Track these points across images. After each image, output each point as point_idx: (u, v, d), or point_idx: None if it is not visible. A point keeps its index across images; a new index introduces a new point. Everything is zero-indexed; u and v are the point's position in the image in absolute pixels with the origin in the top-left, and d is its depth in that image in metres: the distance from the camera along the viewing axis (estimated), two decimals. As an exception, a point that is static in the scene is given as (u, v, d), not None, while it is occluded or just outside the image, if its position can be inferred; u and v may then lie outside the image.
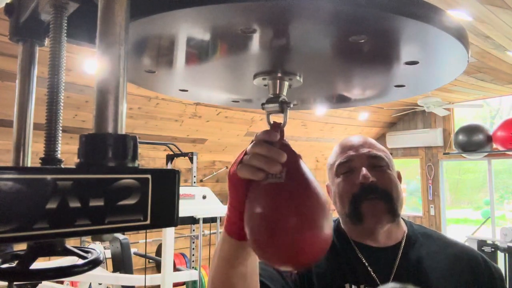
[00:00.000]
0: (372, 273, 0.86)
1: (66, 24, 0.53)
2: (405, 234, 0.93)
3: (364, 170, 0.87)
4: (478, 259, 0.92)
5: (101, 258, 0.52)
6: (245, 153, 0.60)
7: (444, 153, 6.26)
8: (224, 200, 3.79)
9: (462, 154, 5.75)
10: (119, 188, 0.37)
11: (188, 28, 0.53)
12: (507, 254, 4.28)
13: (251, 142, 0.60)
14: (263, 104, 0.72)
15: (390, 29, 0.51)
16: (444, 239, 0.97)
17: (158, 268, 3.71)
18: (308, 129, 5.82)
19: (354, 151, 0.91)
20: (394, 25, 0.50)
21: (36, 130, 0.63)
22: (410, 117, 6.67)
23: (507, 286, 4.19)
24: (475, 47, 3.47)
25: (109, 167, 0.39)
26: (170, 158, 4.08)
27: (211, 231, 3.50)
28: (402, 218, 0.96)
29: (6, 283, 0.47)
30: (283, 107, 0.69)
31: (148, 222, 0.39)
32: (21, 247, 0.49)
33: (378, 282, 0.84)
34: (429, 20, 0.49)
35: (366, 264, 0.88)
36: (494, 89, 5.26)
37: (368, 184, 0.86)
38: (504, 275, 0.97)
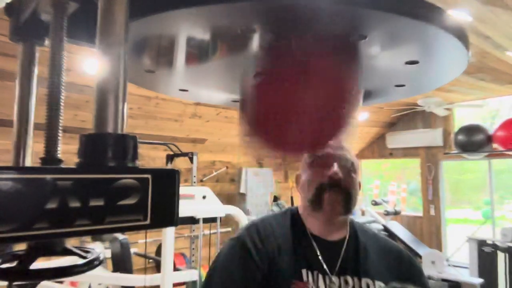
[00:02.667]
0: (322, 262, 1.00)
1: (66, 24, 0.53)
2: (349, 230, 1.07)
3: (336, 167, 1.01)
4: (403, 256, 1.09)
5: (101, 258, 0.52)
6: None
7: (444, 153, 6.25)
8: (224, 200, 3.79)
9: (462, 154, 5.75)
10: (119, 188, 0.37)
11: (188, 28, 0.53)
12: (507, 254, 4.28)
13: None
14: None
15: (390, 29, 0.51)
16: (376, 235, 1.14)
17: (158, 268, 3.71)
18: (308, 129, 5.81)
19: (332, 150, 1.04)
20: (394, 25, 0.50)
21: (36, 130, 0.63)
22: (410, 117, 6.66)
23: (506, 287, 4.19)
24: (475, 47, 3.47)
25: (109, 167, 0.39)
26: (170, 158, 4.08)
27: (211, 231, 3.50)
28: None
29: (6, 283, 0.47)
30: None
31: (148, 222, 0.39)
32: (21, 247, 0.49)
33: (327, 271, 0.98)
34: (429, 20, 0.49)
35: (319, 254, 1.01)
36: (494, 89, 5.26)
37: (335, 179, 1.00)
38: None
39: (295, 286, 0.96)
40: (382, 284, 0.97)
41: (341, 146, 1.06)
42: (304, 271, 0.98)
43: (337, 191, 0.99)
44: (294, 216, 1.10)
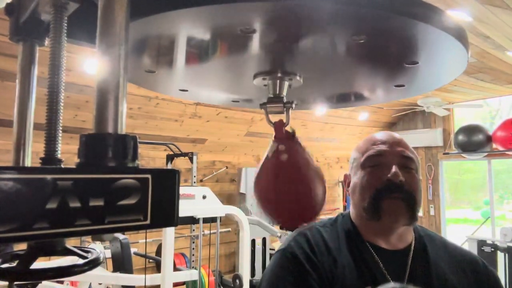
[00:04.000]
0: (388, 276, 0.85)
1: (66, 24, 0.53)
2: (414, 237, 0.93)
3: (395, 168, 0.86)
4: (478, 262, 0.94)
5: (101, 258, 0.52)
6: None
7: (444, 153, 6.26)
8: (224, 200, 3.79)
9: (462, 154, 5.75)
10: (119, 188, 0.37)
11: (188, 28, 0.53)
12: (507, 254, 4.29)
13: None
14: (262, 104, 0.72)
15: (390, 29, 0.51)
16: (445, 241, 0.99)
17: (158, 268, 3.71)
18: (308, 129, 5.82)
19: (387, 147, 0.90)
20: (394, 25, 0.50)
21: (36, 130, 0.63)
22: (410, 117, 6.67)
23: (505, 287, 4.19)
24: (475, 47, 3.47)
25: (109, 167, 0.39)
26: (170, 158, 4.08)
27: (211, 231, 3.50)
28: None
29: (6, 283, 0.47)
30: (286, 107, 0.70)
31: (148, 222, 0.39)
32: (21, 247, 0.49)
33: (392, 283, 0.84)
34: (429, 20, 0.49)
35: (382, 266, 0.87)
36: (494, 89, 5.26)
37: (395, 182, 0.85)
38: (504, 276, 1.01)
39: None
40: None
41: (398, 141, 0.92)
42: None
43: (398, 197, 0.84)
44: (347, 224, 0.94)
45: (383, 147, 0.90)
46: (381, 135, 0.96)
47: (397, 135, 0.97)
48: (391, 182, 0.85)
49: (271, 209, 0.67)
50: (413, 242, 0.92)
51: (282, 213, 0.66)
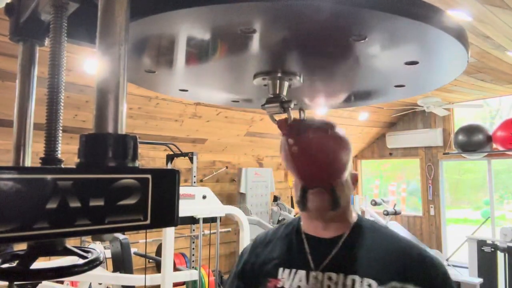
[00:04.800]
0: (310, 259, 1.00)
1: (66, 24, 0.53)
2: (351, 228, 1.03)
3: None
4: (412, 254, 0.99)
5: (101, 258, 0.52)
6: None
7: (444, 153, 6.25)
8: (224, 200, 3.79)
9: (462, 154, 5.75)
10: (119, 188, 0.37)
11: (188, 28, 0.53)
12: (507, 254, 4.28)
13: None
14: (263, 104, 0.72)
15: (390, 29, 0.51)
16: (388, 235, 1.05)
17: (158, 268, 3.71)
18: (308, 129, 5.81)
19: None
20: (394, 25, 0.50)
21: (36, 130, 0.63)
22: (410, 117, 6.67)
23: (505, 287, 4.19)
24: (475, 47, 3.47)
25: (109, 167, 0.39)
26: (170, 158, 4.08)
27: (211, 231, 3.50)
28: (359, 214, 1.08)
29: (6, 283, 0.47)
30: (283, 107, 0.70)
31: (148, 222, 0.39)
32: (21, 247, 0.49)
33: (312, 266, 0.98)
34: (429, 20, 0.49)
35: (308, 251, 1.01)
36: (494, 89, 5.26)
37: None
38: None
39: (269, 284, 1.00)
40: (372, 282, 0.92)
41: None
42: (280, 269, 1.01)
43: (319, 187, 0.97)
44: (295, 220, 1.12)
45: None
46: None
47: None
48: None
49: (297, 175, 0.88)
50: (346, 232, 1.02)
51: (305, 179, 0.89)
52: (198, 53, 0.62)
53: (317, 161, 0.81)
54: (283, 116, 0.75)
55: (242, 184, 5.51)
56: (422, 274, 0.95)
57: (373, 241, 1.01)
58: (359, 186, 7.41)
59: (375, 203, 6.11)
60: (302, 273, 0.98)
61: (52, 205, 0.34)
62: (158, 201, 0.40)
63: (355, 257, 0.97)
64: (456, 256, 5.14)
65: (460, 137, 5.48)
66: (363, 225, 1.05)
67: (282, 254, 1.04)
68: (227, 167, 5.52)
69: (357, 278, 0.94)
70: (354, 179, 1.06)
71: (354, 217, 1.05)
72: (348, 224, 1.03)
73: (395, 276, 0.92)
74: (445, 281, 0.99)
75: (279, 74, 0.68)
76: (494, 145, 5.39)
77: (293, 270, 0.99)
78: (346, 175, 1.01)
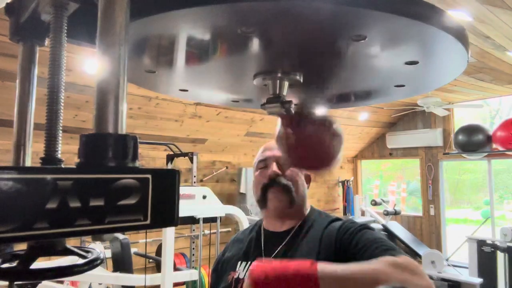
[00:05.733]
0: (262, 250, 1.10)
1: (66, 24, 0.53)
2: (303, 220, 1.12)
3: (273, 166, 1.11)
4: (336, 226, 1.07)
5: (101, 258, 0.52)
6: None
7: (444, 153, 6.25)
8: (224, 200, 3.79)
9: (462, 154, 5.75)
10: (119, 188, 0.37)
11: (188, 28, 0.53)
12: (506, 254, 4.28)
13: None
14: (263, 104, 0.72)
15: (390, 29, 0.51)
16: (325, 220, 1.12)
17: (158, 268, 3.71)
18: (308, 129, 5.80)
19: (270, 152, 1.14)
20: (394, 25, 0.50)
21: (36, 130, 0.63)
22: (410, 117, 6.66)
23: (505, 287, 4.19)
24: (475, 47, 3.47)
25: (109, 167, 0.39)
26: (170, 158, 4.07)
27: (211, 231, 3.50)
28: (315, 210, 1.18)
29: (6, 283, 0.47)
30: (284, 107, 0.70)
31: (148, 222, 0.39)
32: (21, 247, 0.49)
33: (263, 256, 1.08)
34: (429, 20, 0.49)
35: (263, 244, 1.12)
36: (494, 89, 5.26)
37: (274, 176, 1.10)
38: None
39: (229, 276, 1.10)
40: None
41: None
42: (239, 262, 1.11)
43: (277, 187, 1.09)
44: (261, 219, 1.22)
45: (267, 153, 1.15)
46: (268, 144, 1.20)
47: None
48: (271, 176, 1.10)
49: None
50: (298, 224, 1.11)
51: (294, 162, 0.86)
52: (198, 53, 0.62)
53: (310, 151, 0.82)
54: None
55: (242, 184, 5.51)
56: (343, 233, 1.02)
57: (315, 227, 1.10)
58: (359, 186, 7.41)
59: (375, 203, 6.11)
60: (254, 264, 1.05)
61: (52, 205, 0.34)
62: (158, 201, 0.40)
63: (299, 243, 1.07)
64: (456, 256, 5.14)
65: (460, 137, 5.48)
66: (311, 216, 1.15)
67: (242, 250, 1.15)
68: (227, 167, 5.52)
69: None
70: (308, 179, 1.18)
71: (307, 210, 1.16)
72: (301, 217, 1.14)
73: (328, 248, 1.00)
74: (359, 226, 1.05)
75: (279, 74, 0.68)
76: (494, 145, 5.39)
77: (248, 263, 1.09)
78: (301, 175, 1.14)
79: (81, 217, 0.36)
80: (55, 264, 0.49)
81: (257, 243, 1.14)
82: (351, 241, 0.98)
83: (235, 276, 1.09)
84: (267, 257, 1.07)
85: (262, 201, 1.13)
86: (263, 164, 1.15)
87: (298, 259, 0.96)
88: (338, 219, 1.12)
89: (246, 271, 1.06)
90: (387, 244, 0.95)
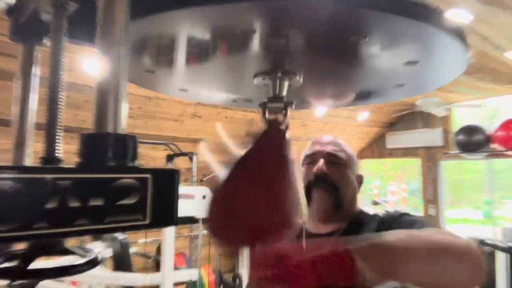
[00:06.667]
0: None
1: (66, 24, 0.53)
2: (346, 225, 1.02)
3: (320, 162, 1.01)
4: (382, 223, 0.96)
5: (101, 258, 0.52)
6: None
7: (444, 153, 6.25)
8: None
9: (462, 154, 5.74)
10: (119, 187, 0.37)
11: (188, 28, 0.53)
12: (507, 254, 4.28)
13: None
14: (263, 103, 0.72)
15: (390, 29, 0.51)
16: (379, 221, 0.98)
17: (158, 267, 3.71)
18: (308, 129, 5.81)
19: (319, 147, 1.05)
20: (394, 25, 0.50)
21: (36, 130, 0.63)
22: (410, 117, 6.66)
23: None
24: (474, 47, 3.47)
25: (109, 167, 0.39)
26: (170, 158, 4.07)
27: (211, 231, 3.49)
28: (361, 209, 1.05)
29: (6, 282, 0.47)
30: (285, 107, 0.70)
31: (147, 221, 0.39)
32: (21, 246, 0.49)
33: None
34: (429, 20, 0.49)
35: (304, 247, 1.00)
36: (493, 90, 5.25)
37: (320, 174, 1.00)
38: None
39: None
40: None
41: (329, 142, 1.07)
42: None
43: (323, 187, 0.99)
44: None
45: (316, 147, 1.05)
46: (319, 138, 1.11)
47: (333, 137, 1.11)
48: (317, 174, 1.00)
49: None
50: (343, 227, 1.01)
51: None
52: (198, 53, 0.62)
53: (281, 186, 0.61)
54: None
55: (242, 184, 5.50)
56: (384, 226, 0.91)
57: (365, 229, 0.98)
58: (359, 186, 7.39)
59: (375, 203, 6.10)
60: None
61: (52, 204, 0.34)
62: (158, 200, 0.40)
63: None
64: (456, 256, 5.13)
65: (460, 137, 5.47)
66: (359, 220, 1.02)
67: None
68: (227, 167, 5.51)
69: None
70: (360, 180, 1.07)
71: (356, 212, 1.04)
72: (348, 220, 1.03)
73: None
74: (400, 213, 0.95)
75: (279, 74, 0.68)
76: (494, 145, 5.39)
77: None
78: (352, 176, 1.03)
79: (80, 217, 0.36)
80: (55, 264, 0.49)
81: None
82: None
83: None
84: None
85: (306, 200, 0.99)
86: (310, 159, 1.05)
87: None
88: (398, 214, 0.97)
89: None
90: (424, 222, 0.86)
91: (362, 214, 1.05)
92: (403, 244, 0.62)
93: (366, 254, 0.55)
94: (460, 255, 0.67)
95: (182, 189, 3.11)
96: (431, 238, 0.68)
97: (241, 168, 0.60)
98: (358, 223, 1.01)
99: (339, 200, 0.99)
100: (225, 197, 0.58)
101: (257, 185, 0.59)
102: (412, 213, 0.96)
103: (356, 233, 0.97)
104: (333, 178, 1.00)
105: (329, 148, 1.04)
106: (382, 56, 0.62)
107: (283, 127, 0.67)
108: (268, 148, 0.61)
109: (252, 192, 0.58)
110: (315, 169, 1.00)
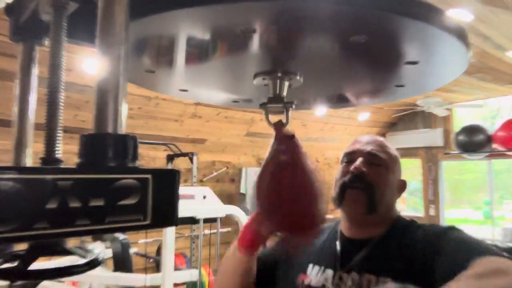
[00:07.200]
0: (338, 259, 0.95)
1: (66, 24, 0.53)
2: (384, 231, 0.96)
3: (358, 161, 0.96)
4: (422, 234, 0.90)
5: (101, 258, 0.52)
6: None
7: (445, 153, 6.25)
8: (224, 200, 3.79)
9: (463, 155, 5.75)
10: (119, 188, 0.37)
11: (188, 28, 0.53)
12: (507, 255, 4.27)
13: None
14: (263, 104, 0.72)
15: (391, 29, 0.51)
16: (419, 231, 0.93)
17: (158, 268, 3.71)
18: (308, 129, 5.81)
19: (360, 146, 1.00)
20: (394, 25, 0.50)
21: (36, 130, 0.63)
22: (410, 117, 6.66)
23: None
24: (475, 47, 3.47)
25: (109, 167, 0.39)
26: (170, 158, 4.07)
27: (212, 231, 3.50)
28: (399, 215, 1.00)
29: (6, 283, 0.47)
30: (285, 106, 0.70)
31: (148, 222, 0.39)
32: (21, 247, 0.49)
33: (338, 267, 0.94)
34: (429, 20, 0.49)
35: (339, 251, 0.97)
36: (494, 89, 5.26)
37: (357, 173, 0.94)
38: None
39: (299, 278, 0.98)
40: (387, 279, 0.84)
41: (371, 141, 1.02)
42: (310, 265, 0.98)
43: (358, 187, 0.93)
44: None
45: (356, 146, 1.01)
46: (362, 136, 1.06)
47: (377, 137, 1.06)
48: (353, 173, 0.95)
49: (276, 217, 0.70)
50: (380, 234, 0.95)
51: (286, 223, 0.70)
52: (198, 53, 0.62)
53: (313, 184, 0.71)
54: (277, 118, 0.72)
55: (242, 184, 5.51)
56: (429, 237, 0.86)
57: (404, 236, 0.92)
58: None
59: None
60: (329, 272, 0.95)
61: (52, 205, 0.34)
62: (158, 201, 0.40)
63: (381, 257, 0.90)
64: (456, 256, 5.13)
65: (461, 137, 5.48)
66: (399, 226, 0.96)
67: (315, 250, 1.00)
68: (227, 167, 5.52)
69: (372, 277, 0.87)
70: (401, 186, 1.02)
71: (393, 218, 0.98)
72: (385, 225, 0.96)
73: (417, 271, 0.82)
74: (447, 227, 0.89)
75: (279, 74, 0.68)
76: (495, 145, 5.39)
77: (322, 268, 0.96)
78: (393, 178, 0.98)
79: (81, 217, 0.36)
80: (55, 264, 0.49)
81: (332, 248, 0.99)
82: (437, 244, 0.83)
83: (307, 282, 0.96)
84: (344, 265, 0.93)
85: (338, 201, 0.96)
86: (349, 157, 1.00)
87: (384, 271, 0.85)
88: (433, 226, 0.93)
89: (319, 278, 0.95)
90: (478, 245, 0.80)
91: (400, 219, 0.99)
92: None
93: None
94: None
95: (182, 189, 3.11)
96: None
97: (265, 176, 0.68)
98: (399, 229, 0.95)
99: (374, 203, 0.92)
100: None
101: (280, 187, 0.67)
102: (456, 227, 0.90)
103: (398, 240, 0.92)
104: (370, 179, 0.93)
105: (369, 148, 0.99)
106: (382, 56, 0.62)
107: (287, 127, 0.70)
108: (285, 157, 0.68)
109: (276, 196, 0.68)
110: (352, 168, 0.95)
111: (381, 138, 1.06)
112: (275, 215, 0.69)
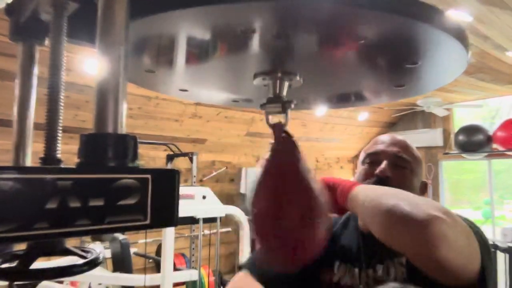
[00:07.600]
0: (363, 257, 0.96)
1: (66, 24, 0.53)
2: None
3: (383, 164, 0.94)
4: None
5: (101, 258, 0.52)
6: None
7: (444, 153, 6.25)
8: (224, 200, 3.79)
9: (462, 154, 5.75)
10: (119, 188, 0.37)
11: (188, 28, 0.53)
12: (507, 254, 4.28)
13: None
14: (263, 104, 0.72)
15: (390, 29, 0.51)
16: None
17: (158, 268, 3.71)
18: (308, 129, 5.81)
19: (384, 147, 0.99)
20: (394, 25, 0.50)
21: (36, 130, 0.63)
22: (410, 117, 6.66)
23: (506, 287, 4.19)
24: (475, 47, 3.47)
25: (109, 167, 0.39)
26: (170, 158, 4.07)
27: (211, 231, 3.50)
28: None
29: (6, 283, 0.47)
30: (285, 107, 0.70)
31: (148, 222, 0.39)
32: (21, 247, 0.49)
33: (364, 266, 0.94)
34: (429, 20, 0.49)
35: (362, 248, 0.97)
36: (494, 89, 5.26)
37: (382, 177, 0.93)
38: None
39: (324, 274, 0.97)
40: (402, 260, 0.88)
41: (395, 142, 1.01)
42: (337, 262, 0.98)
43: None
44: (353, 215, 1.05)
45: (380, 147, 0.99)
46: (384, 136, 1.04)
47: (399, 137, 1.04)
48: (378, 177, 0.94)
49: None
50: None
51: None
52: (198, 53, 0.62)
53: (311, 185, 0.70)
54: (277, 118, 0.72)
55: (242, 184, 5.51)
56: None
57: None
58: (359, 186, 7.39)
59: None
60: (355, 271, 0.95)
61: (52, 205, 0.34)
62: (158, 201, 0.40)
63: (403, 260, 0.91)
64: (456, 256, 5.13)
65: (461, 137, 5.47)
66: None
67: (340, 247, 1.00)
68: (227, 167, 5.52)
69: (390, 262, 0.90)
70: (423, 187, 1.01)
71: None
72: None
73: None
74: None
75: (279, 74, 0.68)
76: (494, 145, 5.39)
77: (348, 266, 0.96)
78: (416, 181, 0.97)
79: (81, 217, 0.36)
80: (55, 264, 0.49)
81: (353, 243, 0.99)
82: None
83: (334, 279, 0.96)
84: (368, 265, 0.93)
85: None
86: (372, 158, 0.98)
87: (403, 266, 0.86)
88: None
89: (346, 276, 0.94)
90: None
91: None
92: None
93: None
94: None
95: (182, 189, 3.11)
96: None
97: (264, 180, 0.69)
98: None
99: None
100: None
101: (279, 193, 0.67)
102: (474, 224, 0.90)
103: None
104: (395, 183, 0.92)
105: (395, 149, 0.97)
106: (382, 56, 0.62)
107: (286, 129, 0.70)
108: (284, 161, 0.69)
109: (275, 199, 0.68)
110: (377, 171, 0.94)
111: (403, 138, 1.04)
112: (270, 223, 0.69)
